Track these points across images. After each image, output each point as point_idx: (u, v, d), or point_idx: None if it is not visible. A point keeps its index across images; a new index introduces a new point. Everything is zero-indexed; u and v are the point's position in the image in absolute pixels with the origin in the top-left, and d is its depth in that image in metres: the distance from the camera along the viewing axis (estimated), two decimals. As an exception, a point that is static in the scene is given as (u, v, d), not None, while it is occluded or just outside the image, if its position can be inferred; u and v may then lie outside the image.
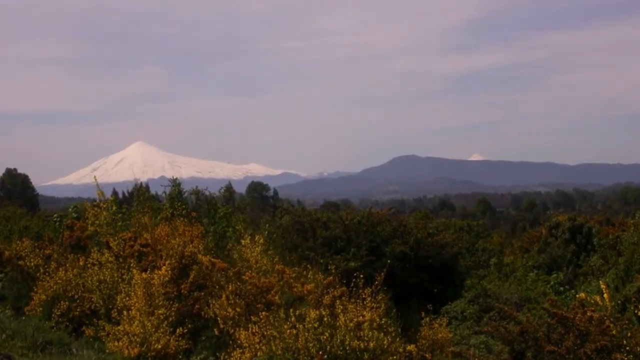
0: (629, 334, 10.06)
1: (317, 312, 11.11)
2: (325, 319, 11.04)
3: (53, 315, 14.41)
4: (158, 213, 19.48)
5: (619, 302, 12.91)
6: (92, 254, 15.20)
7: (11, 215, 29.90)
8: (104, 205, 17.46)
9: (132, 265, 14.38)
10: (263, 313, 11.86)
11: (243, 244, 15.86)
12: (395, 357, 11.24)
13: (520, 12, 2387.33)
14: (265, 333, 11.44)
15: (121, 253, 15.14)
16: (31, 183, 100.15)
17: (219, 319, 12.64)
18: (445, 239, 24.89)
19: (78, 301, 14.64)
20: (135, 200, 21.42)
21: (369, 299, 12.21)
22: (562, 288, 23.75)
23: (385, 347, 11.09)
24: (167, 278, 13.50)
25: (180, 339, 12.61)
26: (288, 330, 11.07)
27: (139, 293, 12.79)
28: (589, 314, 10.31)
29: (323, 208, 75.66)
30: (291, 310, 11.55)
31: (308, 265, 16.81)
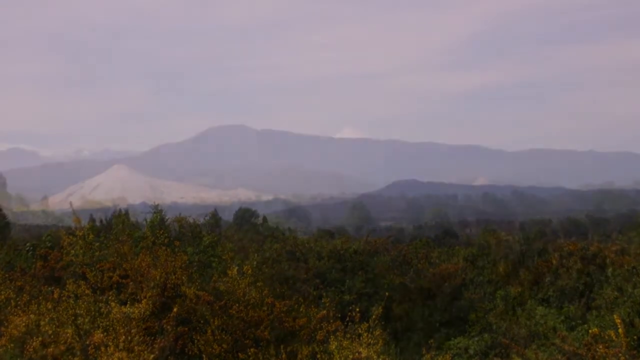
0: (645, 372, 10.08)
1: (310, 349, 11.12)
2: (319, 355, 11.04)
3: (25, 352, 14.34)
4: (138, 242, 19.48)
5: (635, 337, 12.93)
6: (67, 286, 15.14)
7: (-21, 244, 29.78)
8: (80, 233, 17.44)
9: (110, 297, 14.35)
10: (251, 349, 11.85)
11: (230, 275, 15.85)
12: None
13: (525, 26, 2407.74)
14: (254, 371, 11.42)
15: (99, 285, 15.12)
16: (1, 209, 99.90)
17: (204, 355, 12.62)
18: (448, 270, 24.96)
19: (52, 337, 14.58)
20: (114, 228, 21.42)
21: (365, 334, 12.20)
22: (573, 322, 23.72)
23: (384, 386, 11.09)
24: (148, 312, 13.48)
25: (162, 377, 12.57)
26: (278, 368, 11.06)
27: (117, 328, 12.76)
28: (602, 350, 10.34)
29: (316, 236, 75.71)
30: (282, 346, 11.55)
31: (300, 298, 16.80)
